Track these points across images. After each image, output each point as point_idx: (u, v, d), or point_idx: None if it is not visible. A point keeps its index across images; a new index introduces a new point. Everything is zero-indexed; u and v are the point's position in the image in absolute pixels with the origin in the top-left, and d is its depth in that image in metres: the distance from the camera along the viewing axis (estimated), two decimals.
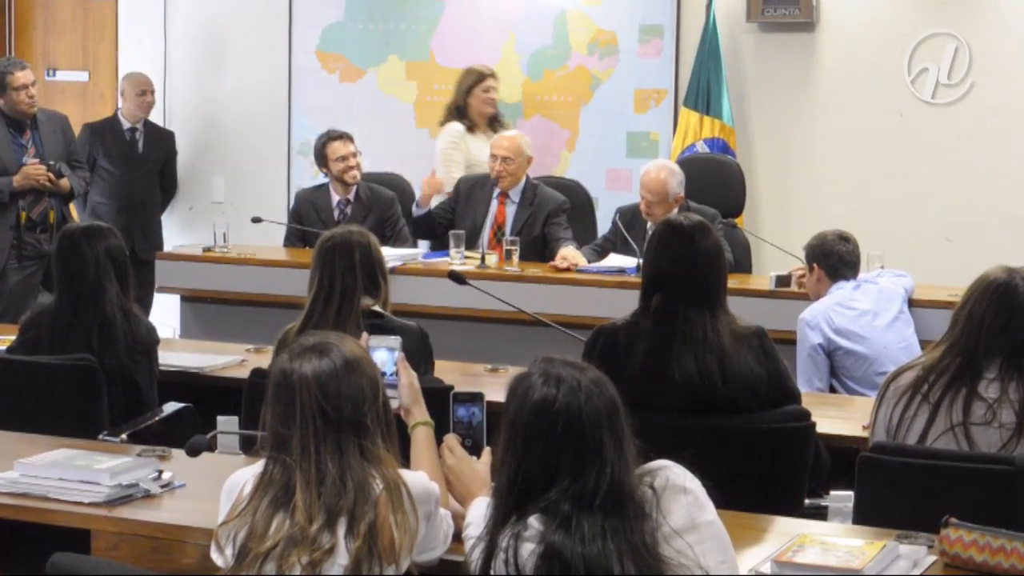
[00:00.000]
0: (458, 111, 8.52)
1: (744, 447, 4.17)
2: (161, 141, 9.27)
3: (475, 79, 8.50)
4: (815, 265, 6.07)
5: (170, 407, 5.17)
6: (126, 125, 9.10)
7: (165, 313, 8.50)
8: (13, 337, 5.38)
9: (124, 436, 4.79)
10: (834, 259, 6.02)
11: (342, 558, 2.91)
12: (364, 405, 3.03)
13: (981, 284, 3.98)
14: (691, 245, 4.23)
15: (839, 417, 4.92)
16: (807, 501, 4.26)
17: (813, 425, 4.26)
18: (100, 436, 4.74)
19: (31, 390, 5.03)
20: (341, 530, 2.92)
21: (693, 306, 4.18)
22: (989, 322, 3.90)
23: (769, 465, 4.19)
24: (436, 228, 7.93)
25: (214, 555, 3.05)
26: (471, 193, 7.91)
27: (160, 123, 9.69)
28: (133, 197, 9.02)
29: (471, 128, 8.49)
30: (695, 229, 4.27)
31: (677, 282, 4.21)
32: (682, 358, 4.16)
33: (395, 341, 3.68)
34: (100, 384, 4.98)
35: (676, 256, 4.23)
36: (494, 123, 8.58)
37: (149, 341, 5.21)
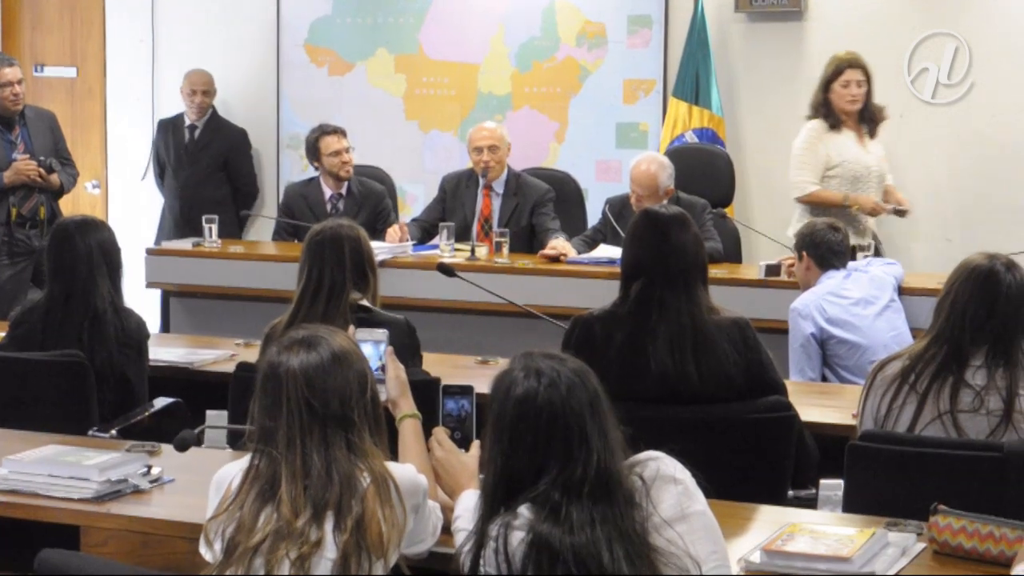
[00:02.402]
0: (823, 106, 7.50)
1: (721, 437, 4.15)
2: (222, 137, 9.27)
3: (831, 71, 7.48)
4: (804, 254, 6.07)
5: (159, 402, 5.16)
6: (187, 122, 9.20)
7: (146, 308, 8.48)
8: (3, 334, 5.38)
9: (114, 432, 4.79)
10: (823, 248, 6.02)
11: (330, 552, 2.91)
12: (351, 399, 3.03)
13: (963, 271, 3.97)
14: (667, 235, 4.24)
15: (831, 406, 4.93)
16: (792, 493, 4.24)
17: (793, 416, 4.24)
18: (90, 432, 4.74)
19: (20, 386, 5.02)
20: (328, 524, 2.92)
21: (670, 296, 4.19)
22: (974, 310, 3.89)
23: (748, 456, 4.18)
24: (431, 232, 7.87)
25: (203, 550, 3.05)
26: (456, 190, 7.89)
27: (149, 118, 9.69)
28: (194, 196, 9.07)
29: (835, 125, 7.46)
30: (672, 219, 4.29)
31: (654, 271, 4.21)
32: (657, 348, 4.17)
33: (382, 334, 3.69)
34: (89, 380, 4.98)
35: (653, 245, 4.24)
36: (867, 119, 7.51)
37: (140, 336, 5.21)
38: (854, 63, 7.37)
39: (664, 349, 4.17)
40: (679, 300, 4.18)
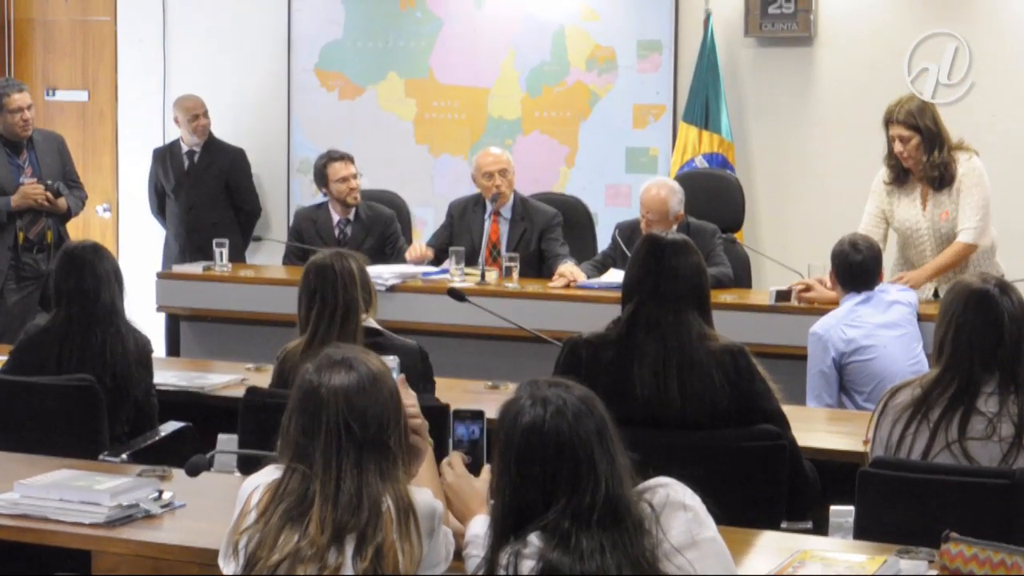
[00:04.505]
0: (889, 156, 6.82)
1: (706, 464, 4.00)
2: (221, 159, 9.27)
3: (883, 124, 6.79)
4: (832, 270, 6.03)
5: (171, 426, 5.18)
6: (184, 148, 9.22)
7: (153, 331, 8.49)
8: (3, 357, 5.40)
9: (125, 456, 4.81)
10: (843, 269, 5.92)
11: None
12: (388, 425, 3.05)
13: (959, 299, 3.94)
14: (662, 258, 4.23)
15: (842, 432, 4.92)
16: (786, 524, 4.20)
17: (784, 446, 4.20)
18: (101, 456, 4.75)
19: (32, 410, 5.03)
20: (349, 549, 2.93)
21: (658, 318, 4.18)
22: (981, 340, 3.88)
23: (735, 484, 4.12)
24: (440, 257, 7.86)
25: (221, 562, 3.08)
26: (463, 215, 7.87)
27: (160, 142, 9.71)
28: (197, 220, 9.09)
29: (898, 178, 6.80)
30: (670, 244, 4.29)
31: (645, 293, 4.22)
32: (642, 370, 4.16)
33: (393, 361, 3.68)
34: (100, 404, 5.00)
35: (647, 268, 4.24)
36: (927, 175, 6.69)
37: (148, 353, 5.30)
38: (895, 118, 6.68)
39: (648, 371, 4.16)
40: (667, 323, 4.17)
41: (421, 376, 4.78)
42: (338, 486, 2.97)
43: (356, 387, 3.03)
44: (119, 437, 5.05)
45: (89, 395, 4.98)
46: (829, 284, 6.22)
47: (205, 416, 5.28)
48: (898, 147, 6.69)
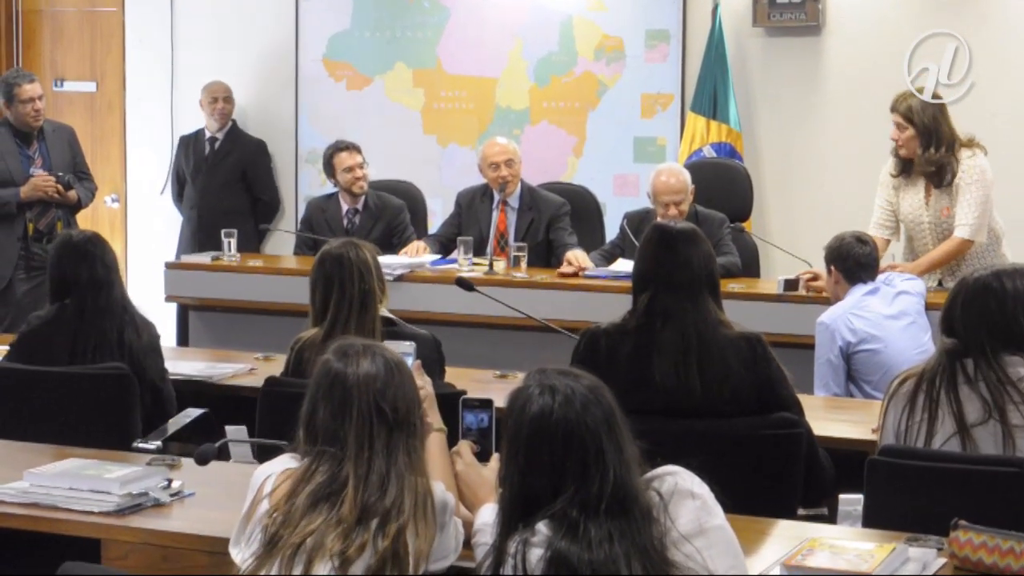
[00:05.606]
0: (895, 150, 6.89)
1: (726, 452, 4.09)
2: (241, 148, 9.38)
3: (891, 105, 6.85)
4: (833, 267, 6.02)
5: (193, 412, 5.19)
6: (207, 135, 9.36)
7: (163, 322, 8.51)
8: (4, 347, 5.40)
9: (159, 443, 4.83)
10: (850, 262, 5.95)
11: (368, 556, 2.93)
12: (413, 407, 3.10)
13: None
14: (674, 248, 4.23)
15: (851, 421, 4.92)
16: (803, 511, 4.21)
17: (801, 434, 4.21)
18: (135, 444, 4.76)
19: (63, 400, 5.02)
20: (372, 527, 2.95)
21: (675, 307, 4.18)
22: (943, 322, 3.95)
23: (753, 472, 4.14)
24: (448, 247, 7.86)
25: (232, 550, 3.09)
26: (471, 205, 7.88)
27: (168, 132, 9.74)
28: (212, 206, 9.19)
29: (905, 170, 6.86)
30: (680, 233, 4.29)
31: (659, 283, 4.22)
32: (661, 359, 4.16)
33: (409, 347, 3.70)
34: (135, 392, 5.04)
35: (659, 258, 4.24)
36: (925, 170, 6.76)
37: (156, 338, 5.32)
38: (895, 107, 6.78)
39: (668, 361, 4.16)
40: (684, 312, 4.18)
41: (436, 364, 4.80)
42: (369, 467, 3.00)
43: (384, 373, 3.08)
44: (144, 420, 5.08)
45: (124, 383, 5.01)
46: (829, 283, 6.15)
47: (214, 405, 5.28)
48: (894, 133, 6.79)
